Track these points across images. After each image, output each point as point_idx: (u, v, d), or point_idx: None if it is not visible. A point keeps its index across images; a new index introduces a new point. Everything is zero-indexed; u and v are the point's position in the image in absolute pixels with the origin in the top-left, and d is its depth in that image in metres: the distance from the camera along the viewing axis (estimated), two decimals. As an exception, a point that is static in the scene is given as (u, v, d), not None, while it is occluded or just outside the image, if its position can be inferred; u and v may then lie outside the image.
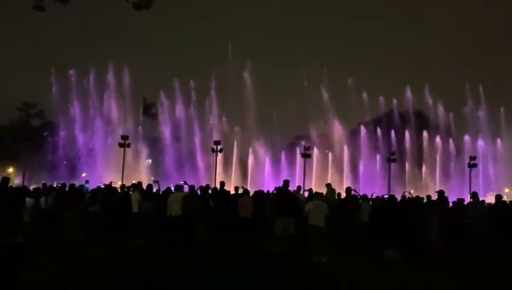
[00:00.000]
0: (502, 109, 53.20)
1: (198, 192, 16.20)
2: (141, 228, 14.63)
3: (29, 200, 15.86)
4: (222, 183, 18.30)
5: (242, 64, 52.93)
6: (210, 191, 17.39)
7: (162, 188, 17.71)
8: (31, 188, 28.25)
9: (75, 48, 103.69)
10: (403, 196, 17.74)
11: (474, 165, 43.40)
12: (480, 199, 16.79)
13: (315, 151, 50.39)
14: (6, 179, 14.28)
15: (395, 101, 56.76)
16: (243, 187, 18.29)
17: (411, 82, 56.05)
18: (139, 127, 52.68)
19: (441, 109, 54.70)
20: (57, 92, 50.21)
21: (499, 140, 51.69)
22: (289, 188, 14.90)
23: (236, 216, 15.56)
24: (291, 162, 51.24)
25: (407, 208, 15.24)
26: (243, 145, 52.70)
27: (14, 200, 13.50)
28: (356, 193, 17.27)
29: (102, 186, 20.31)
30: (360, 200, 16.55)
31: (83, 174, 46.74)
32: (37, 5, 6.67)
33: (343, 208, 15.61)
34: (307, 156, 45.62)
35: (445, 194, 16.51)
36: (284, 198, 14.15)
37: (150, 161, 54.92)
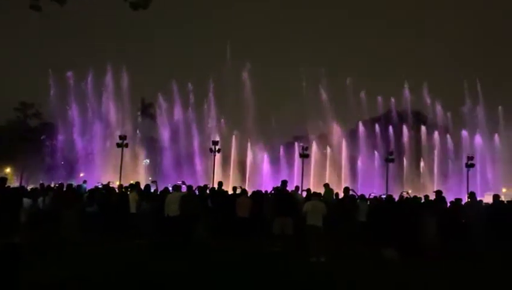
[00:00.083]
0: (500, 108, 53.44)
1: (196, 192, 16.18)
2: (139, 228, 14.61)
3: (26, 201, 15.82)
4: (220, 184, 18.30)
5: (241, 65, 53.00)
6: (208, 191, 17.38)
7: (160, 188, 17.69)
8: (29, 188, 28.21)
9: (73, 48, 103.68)
10: (401, 196, 17.76)
11: (472, 165, 43.51)
12: (478, 198, 16.82)
13: (313, 151, 50.45)
14: (4, 180, 14.23)
15: (393, 100, 56.92)
16: (240, 187, 18.27)
17: (410, 82, 55.99)
18: (137, 131, 52.42)
19: (439, 108, 54.85)
20: (55, 94, 50.10)
21: (496, 136, 51.81)
22: (287, 188, 14.91)
23: (234, 216, 15.56)
24: (290, 162, 51.29)
25: (405, 208, 15.26)
26: (241, 146, 52.73)
27: (11, 200, 13.46)
28: (354, 193, 17.29)
29: (100, 187, 20.27)
30: (358, 200, 16.57)
31: (81, 174, 46.67)
32: (33, 5, 6.65)
33: (341, 208, 15.62)
34: (305, 156, 45.66)
35: (443, 194, 16.51)
36: (282, 198, 14.15)
37: (148, 161, 54.85)
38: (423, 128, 54.26)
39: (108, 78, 50.54)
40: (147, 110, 61.27)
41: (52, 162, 51.48)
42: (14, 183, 47.50)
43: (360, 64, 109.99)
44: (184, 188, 15.57)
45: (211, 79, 52.91)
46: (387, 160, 45.39)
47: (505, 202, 18.86)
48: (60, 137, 51.30)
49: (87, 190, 20.42)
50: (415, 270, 11.43)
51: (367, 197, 17.42)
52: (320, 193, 14.86)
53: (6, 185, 15.45)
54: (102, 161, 47.87)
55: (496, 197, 16.14)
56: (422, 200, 16.70)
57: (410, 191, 22.86)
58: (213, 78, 52.67)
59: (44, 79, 51.17)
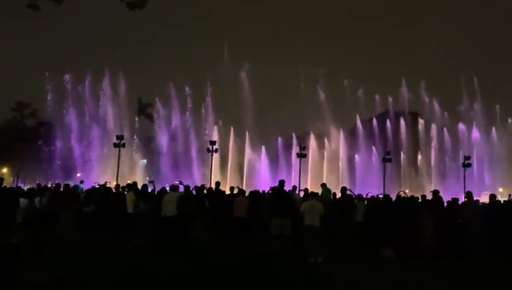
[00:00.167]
0: (497, 107, 53.65)
1: (194, 192, 16.17)
2: (136, 228, 14.59)
3: (23, 201, 15.78)
4: (217, 184, 18.30)
5: (239, 65, 52.92)
6: (205, 191, 17.37)
7: (157, 188, 17.66)
8: (25, 188, 28.11)
9: (71, 47, 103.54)
10: (398, 196, 17.77)
11: (469, 165, 43.63)
12: (475, 198, 16.85)
13: (311, 151, 50.55)
14: (0, 180, 14.22)
15: (390, 99, 57.04)
16: (238, 187, 18.27)
17: (408, 81, 56.20)
18: (135, 137, 52.20)
19: (436, 107, 55.00)
20: (52, 98, 49.91)
21: (494, 130, 51.96)
22: (284, 188, 14.92)
23: (231, 216, 15.56)
24: (287, 162, 51.34)
25: (402, 208, 15.28)
26: (239, 146, 52.61)
27: (7, 200, 13.43)
28: (351, 193, 17.30)
29: (97, 187, 20.22)
30: (355, 200, 16.58)
31: (78, 175, 46.54)
32: (31, 4, 6.65)
33: (339, 208, 15.63)
34: (302, 156, 45.71)
35: (440, 194, 16.55)
36: (280, 198, 14.15)
37: (145, 161, 54.76)
38: (421, 121, 54.42)
39: (106, 82, 50.27)
40: (144, 110, 61.21)
41: (49, 166, 51.17)
42: (11, 183, 47.33)
43: (360, 64, 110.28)
44: (181, 188, 15.56)
45: (208, 83, 52.76)
46: (384, 160, 45.47)
47: (502, 202, 18.96)
48: (58, 143, 50.90)
49: (84, 190, 20.38)
50: (412, 270, 11.44)
51: (364, 197, 17.46)
52: (317, 193, 14.91)
53: (2, 185, 15.43)
54: (100, 162, 47.73)
55: (493, 197, 16.20)
56: (420, 200, 16.73)
57: (407, 191, 22.89)
58: (212, 79, 52.57)
59: (40, 79, 50.79)
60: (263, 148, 52.62)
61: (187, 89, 52.86)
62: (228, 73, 50.33)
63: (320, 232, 12.57)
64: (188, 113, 53.04)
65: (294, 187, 18.64)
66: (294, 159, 47.98)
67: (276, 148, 54.50)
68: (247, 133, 52.10)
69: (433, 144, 52.56)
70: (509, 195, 33.65)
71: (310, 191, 16.25)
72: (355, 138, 53.19)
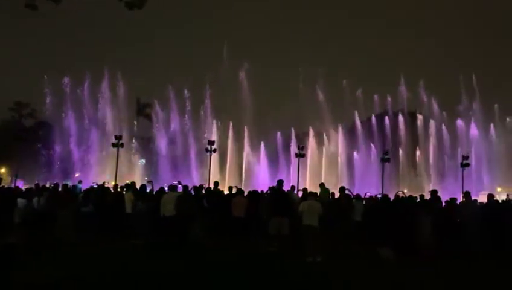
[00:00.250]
0: (495, 106, 53.77)
1: (192, 192, 16.17)
2: (134, 228, 14.58)
3: (21, 201, 15.77)
4: (216, 183, 18.30)
5: (239, 64, 52.88)
6: (204, 191, 17.37)
7: (156, 188, 17.66)
8: (24, 188, 28.05)
9: (69, 47, 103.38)
10: (396, 195, 17.80)
11: (467, 165, 43.68)
12: (473, 198, 16.88)
13: (309, 150, 50.61)
14: (-2, 180, 14.21)
15: (389, 99, 57.12)
16: (236, 187, 18.28)
17: (407, 80, 56.27)
18: (133, 140, 52.07)
19: (435, 106, 55.10)
20: (51, 101, 49.79)
21: (492, 127, 52.07)
22: (283, 188, 14.91)
23: (230, 216, 15.56)
24: (287, 159, 51.37)
25: (400, 208, 15.30)
26: (238, 146, 52.60)
27: (5, 200, 13.42)
28: (350, 193, 17.32)
29: (95, 187, 20.21)
30: (354, 200, 16.60)
31: (76, 174, 46.47)
32: (28, 4, 6.64)
33: (337, 208, 15.64)
34: (301, 155, 45.74)
35: (438, 194, 16.58)
36: (278, 198, 14.14)
37: (144, 161, 54.72)
38: (419, 117, 54.52)
39: (105, 84, 50.12)
40: (143, 111, 61.15)
41: (48, 170, 51.04)
42: (9, 183, 47.25)
43: (359, 64, 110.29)
44: (180, 188, 15.55)
45: (207, 85, 52.64)
46: (383, 160, 45.52)
47: (500, 202, 19.00)
48: (57, 148, 50.72)
49: (82, 190, 20.37)
50: (410, 269, 11.45)
51: (362, 196, 17.47)
52: (316, 193, 14.90)
53: (0, 186, 15.42)
54: (98, 162, 47.66)
55: (490, 196, 16.22)
56: (418, 200, 16.75)
57: (405, 191, 22.93)
58: (211, 80, 52.43)
59: (39, 81, 50.69)
60: (262, 144, 52.66)
61: (186, 92, 52.79)
62: (227, 73, 50.34)
63: (319, 232, 12.58)
64: (186, 116, 53.00)
65: (292, 187, 18.64)
66: (293, 152, 47.89)
67: (275, 144, 54.72)
68: (245, 128, 52.03)
69: (432, 140, 52.66)
70: (507, 195, 33.81)
71: (308, 190, 16.26)
72: (354, 136, 53.27)
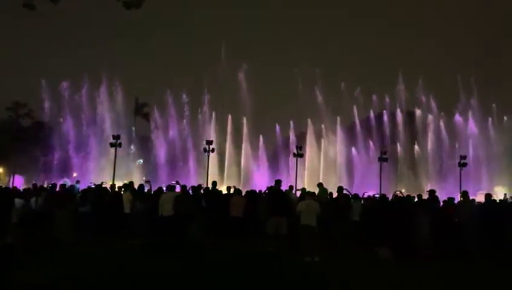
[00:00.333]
0: (494, 105, 53.89)
1: (190, 192, 16.15)
2: (132, 228, 14.57)
3: (18, 201, 15.74)
4: (214, 183, 18.31)
5: (238, 65, 52.79)
6: (202, 191, 17.36)
7: (154, 188, 17.65)
8: (22, 187, 28.02)
9: (68, 48, 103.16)
10: (394, 195, 17.83)
11: (465, 165, 43.75)
12: (471, 197, 16.91)
13: (308, 151, 50.70)
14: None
15: (387, 99, 57.17)
16: (234, 187, 18.28)
17: (407, 80, 56.33)
18: (132, 146, 51.92)
19: (434, 106, 55.19)
20: (50, 106, 49.61)
21: (490, 126, 52.21)
22: (281, 188, 14.92)
23: (228, 216, 15.56)
24: (285, 160, 51.39)
25: (398, 208, 15.33)
26: (237, 145, 52.58)
27: (2, 200, 13.39)
28: (348, 192, 17.34)
29: (93, 187, 20.19)
30: (352, 200, 16.61)
31: (74, 174, 46.36)
32: (26, 3, 6.64)
33: (335, 208, 15.65)
34: (299, 155, 45.76)
35: (436, 194, 16.60)
36: (276, 198, 14.15)
37: (142, 161, 54.63)
38: (418, 111, 54.69)
39: (103, 90, 49.86)
40: (141, 110, 61.06)
41: (47, 175, 50.91)
42: (7, 183, 47.14)
43: (359, 63, 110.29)
44: (178, 188, 15.55)
45: (205, 89, 52.45)
46: (380, 159, 45.57)
47: (497, 201, 19.05)
48: (56, 154, 50.50)
49: (80, 190, 20.35)
50: (408, 269, 11.46)
51: (360, 196, 17.49)
52: (314, 193, 14.90)
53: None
54: (97, 162, 47.55)
55: (488, 196, 16.26)
56: (416, 200, 16.78)
57: (403, 191, 22.95)
58: (209, 81, 52.16)
59: (37, 81, 50.50)
60: (261, 138, 52.78)
61: (184, 96, 52.64)
62: (226, 73, 50.25)
63: (317, 231, 12.59)
64: (185, 121, 52.88)
65: (290, 187, 18.64)
66: (292, 158, 47.93)
67: (274, 139, 54.84)
68: (244, 119, 51.92)
69: (430, 135, 52.81)
70: (505, 194, 33.88)
71: (306, 190, 16.28)
72: (353, 135, 53.33)
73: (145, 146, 53.53)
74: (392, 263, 11.93)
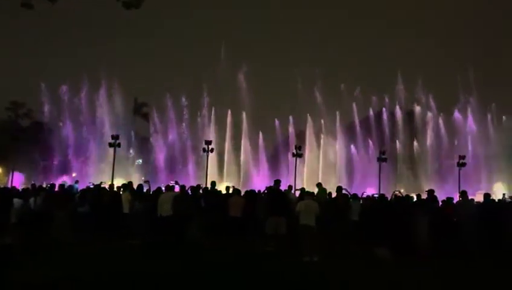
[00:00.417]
0: (493, 105, 53.96)
1: (189, 192, 16.15)
2: (131, 228, 14.56)
3: (17, 201, 15.74)
4: (213, 183, 18.31)
5: (238, 66, 52.75)
6: (201, 191, 17.36)
7: (153, 188, 17.65)
8: (22, 185, 27.99)
9: (67, 48, 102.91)
10: (394, 195, 17.84)
11: (463, 164, 43.77)
12: (469, 197, 16.93)
13: (307, 146, 50.74)
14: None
15: (387, 100, 57.18)
16: (233, 187, 18.28)
17: (406, 80, 56.32)
18: (131, 151, 51.82)
19: (432, 105, 55.19)
20: (49, 110, 49.57)
21: (489, 123, 52.32)
22: (280, 188, 14.92)
23: (227, 216, 15.55)
24: (284, 160, 51.39)
25: (397, 207, 15.33)
26: (237, 145, 52.54)
27: (1, 200, 13.38)
28: (347, 192, 17.34)
29: (92, 187, 20.18)
30: (351, 200, 16.62)
31: (73, 174, 46.32)
32: (24, 3, 6.63)
33: (334, 208, 15.66)
34: (298, 155, 45.76)
35: (435, 193, 16.62)
36: (275, 197, 14.14)
37: (141, 160, 54.58)
38: (417, 108, 54.79)
39: (103, 91, 49.75)
40: (140, 110, 60.99)
41: (44, 172, 50.86)
42: (6, 183, 47.07)
43: (359, 63, 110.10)
44: (177, 188, 15.54)
45: (205, 93, 52.32)
46: (380, 159, 45.57)
47: (496, 201, 19.08)
48: (56, 160, 50.40)
49: (79, 190, 20.34)
50: (407, 269, 11.45)
51: (359, 196, 17.50)
52: (313, 193, 14.90)
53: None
54: (96, 163, 47.52)
55: (487, 195, 16.29)
56: (415, 199, 16.79)
57: (402, 191, 22.97)
58: (210, 79, 52.12)
59: (35, 79, 50.46)
60: (260, 134, 52.77)
61: (183, 100, 52.56)
62: (226, 73, 50.17)
63: (316, 231, 12.59)
64: (184, 124, 52.77)
65: (289, 187, 18.65)
66: (291, 158, 47.95)
67: (273, 148, 54.40)
68: (244, 114, 51.90)
69: (429, 132, 52.87)
70: (503, 194, 33.96)
71: (306, 190, 16.27)
72: (353, 135, 53.36)
73: (144, 146, 53.52)
74: (391, 262, 11.93)
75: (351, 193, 17.59)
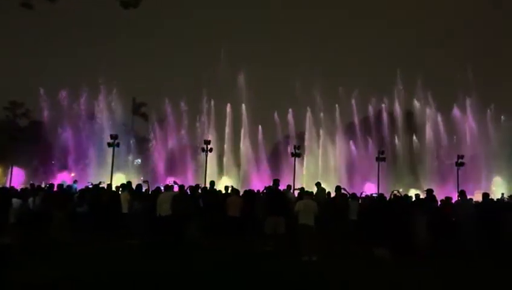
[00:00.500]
0: (492, 105, 54.07)
1: (188, 192, 16.14)
2: (130, 228, 14.56)
3: (16, 201, 15.73)
4: (212, 183, 18.30)
5: (237, 66, 52.78)
6: (200, 191, 17.35)
7: (152, 188, 17.64)
8: (22, 184, 27.95)
9: (66, 48, 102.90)
10: (392, 195, 17.83)
11: (462, 164, 43.83)
12: (468, 197, 16.95)
13: (306, 151, 50.78)
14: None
15: (386, 101, 57.21)
16: (232, 187, 18.28)
17: (405, 80, 56.40)
18: (130, 157, 51.75)
19: (431, 103, 55.27)
20: (49, 115, 49.50)
21: (488, 114, 52.46)
22: (279, 187, 14.93)
23: (225, 216, 15.56)
24: (285, 162, 51.41)
25: (396, 207, 15.34)
26: (236, 145, 52.59)
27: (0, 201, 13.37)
28: (346, 192, 17.34)
29: (91, 186, 20.16)
30: (349, 199, 16.62)
31: (72, 174, 46.24)
32: (24, 3, 6.63)
33: (333, 207, 15.66)
34: (297, 155, 45.78)
35: (434, 193, 16.63)
36: (274, 197, 14.15)
37: (140, 160, 54.53)
38: (416, 104, 54.89)
39: (102, 97, 49.60)
40: (138, 110, 60.95)
41: (44, 173, 50.76)
42: (4, 183, 47.00)
43: (359, 63, 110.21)
44: (176, 188, 15.54)
45: (205, 97, 52.21)
46: (378, 159, 45.59)
47: (495, 200, 19.10)
48: (55, 166, 50.32)
49: (77, 190, 20.31)
50: (406, 269, 11.47)
51: (358, 196, 17.51)
52: (312, 192, 14.90)
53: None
54: (96, 163, 47.48)
55: (486, 195, 16.30)
56: (413, 199, 16.80)
57: (401, 190, 22.98)
58: (210, 79, 52.04)
59: (34, 79, 50.41)
60: (260, 128, 52.82)
61: (183, 104, 52.50)
62: (225, 73, 50.17)
63: (315, 231, 12.60)
64: (183, 131, 52.70)
65: (288, 186, 18.66)
66: (290, 158, 47.98)
67: (272, 148, 54.22)
68: (243, 106, 51.79)
69: (428, 130, 52.95)
70: (502, 194, 34.01)
71: (305, 189, 16.28)
72: (352, 134, 53.46)
73: (143, 146, 53.49)
74: (390, 262, 11.95)
75: (350, 193, 17.58)
